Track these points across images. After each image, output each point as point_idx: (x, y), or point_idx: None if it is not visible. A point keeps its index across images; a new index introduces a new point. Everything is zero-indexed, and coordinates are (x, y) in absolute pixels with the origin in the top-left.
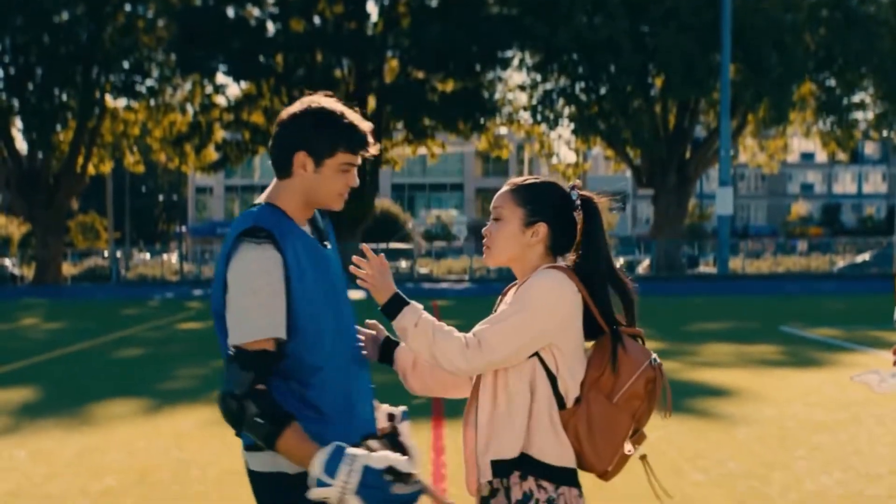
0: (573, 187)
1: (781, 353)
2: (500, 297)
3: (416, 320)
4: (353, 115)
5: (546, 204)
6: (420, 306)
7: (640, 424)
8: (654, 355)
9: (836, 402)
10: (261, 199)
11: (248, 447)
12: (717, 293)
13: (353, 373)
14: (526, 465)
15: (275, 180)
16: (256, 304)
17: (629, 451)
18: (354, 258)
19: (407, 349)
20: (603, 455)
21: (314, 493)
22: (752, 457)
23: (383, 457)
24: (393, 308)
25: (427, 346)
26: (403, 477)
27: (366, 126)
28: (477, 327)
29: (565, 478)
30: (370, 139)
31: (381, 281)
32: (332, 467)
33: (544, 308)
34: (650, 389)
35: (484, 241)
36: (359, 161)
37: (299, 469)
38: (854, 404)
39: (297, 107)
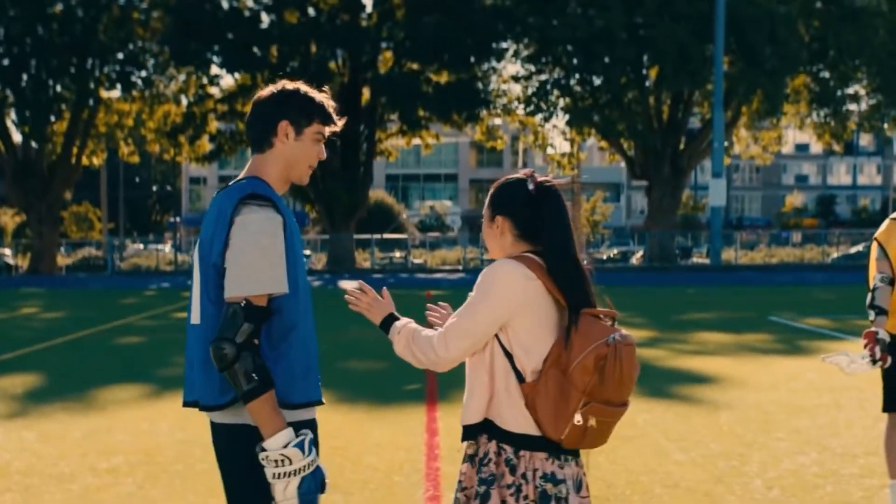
0: (527, 175)
1: (769, 341)
2: None
3: (399, 329)
4: (324, 95)
5: (501, 199)
6: (407, 320)
7: (591, 397)
8: (616, 334)
9: (819, 388)
10: (242, 175)
11: (212, 408)
12: (710, 284)
13: (312, 337)
14: (490, 429)
15: (252, 159)
16: (265, 261)
17: (578, 421)
18: (349, 291)
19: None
20: (556, 424)
21: (264, 456)
22: (733, 438)
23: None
24: (385, 326)
25: (407, 346)
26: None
27: (333, 103)
28: (447, 321)
29: (526, 443)
30: (336, 116)
31: (377, 308)
32: (303, 446)
33: (496, 296)
34: (601, 365)
35: None
36: (328, 133)
37: (301, 418)
38: (836, 389)
39: (273, 88)
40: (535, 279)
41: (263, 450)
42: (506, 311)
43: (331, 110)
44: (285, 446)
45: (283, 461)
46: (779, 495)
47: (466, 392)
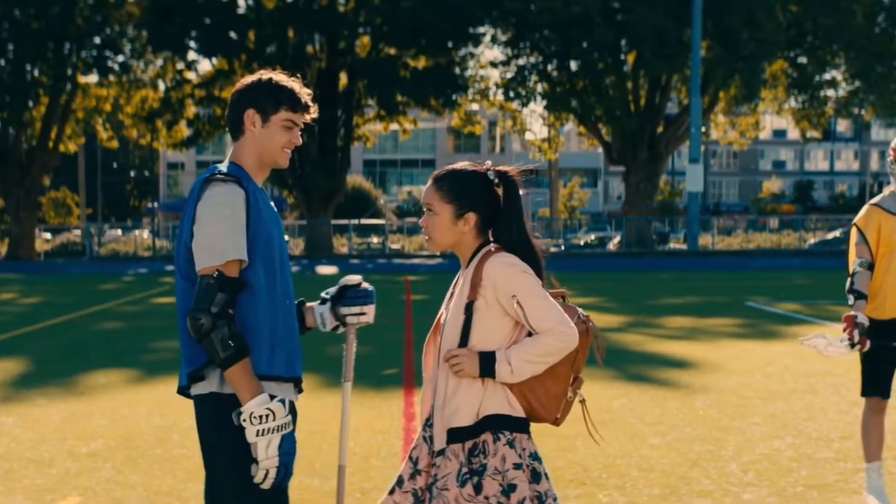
0: (488, 169)
1: (744, 326)
2: (451, 287)
3: (509, 367)
4: (295, 83)
5: (470, 194)
6: (501, 353)
7: (577, 371)
8: (580, 310)
9: (794, 373)
10: (226, 160)
11: (188, 384)
12: (687, 269)
13: (285, 313)
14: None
15: (233, 145)
16: (227, 230)
17: (570, 397)
18: (449, 356)
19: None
20: (551, 406)
21: (262, 407)
22: (708, 423)
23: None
24: (487, 371)
25: (530, 363)
26: None
27: (306, 92)
28: (536, 325)
29: (517, 425)
30: (310, 103)
31: (471, 364)
32: (283, 402)
33: (535, 278)
34: (584, 341)
35: (423, 231)
36: (301, 122)
37: (231, 391)
38: (811, 374)
39: (250, 77)
40: None
41: (241, 413)
42: None
43: (302, 97)
44: (287, 407)
45: (267, 416)
46: (753, 479)
47: (449, 393)
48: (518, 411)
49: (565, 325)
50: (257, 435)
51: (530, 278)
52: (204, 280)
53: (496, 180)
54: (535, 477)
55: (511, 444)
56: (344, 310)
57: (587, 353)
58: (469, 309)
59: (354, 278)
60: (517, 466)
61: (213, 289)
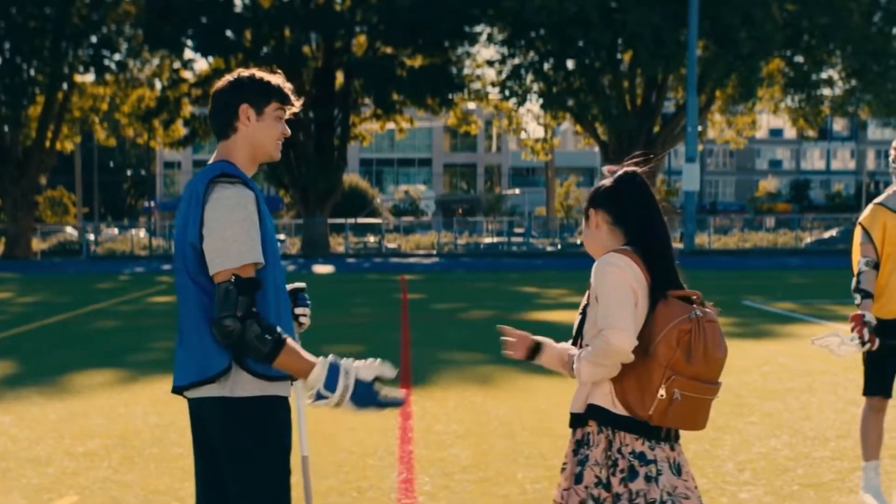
0: (609, 171)
1: (741, 325)
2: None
3: (578, 365)
4: (277, 77)
5: (596, 196)
6: (578, 352)
7: (674, 371)
8: (697, 310)
9: (791, 372)
10: (211, 161)
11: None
12: (683, 268)
13: (286, 312)
14: (595, 413)
15: (218, 146)
16: (242, 233)
17: (661, 395)
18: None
19: (553, 349)
20: (642, 401)
21: (314, 403)
22: None
23: (371, 368)
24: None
25: (599, 369)
26: (387, 382)
27: (289, 85)
28: (598, 324)
29: (621, 424)
30: (293, 95)
31: (522, 349)
32: (331, 382)
33: (622, 281)
34: (685, 340)
35: None
36: (288, 113)
37: (240, 395)
38: (808, 374)
39: (229, 77)
40: (635, 266)
41: (321, 393)
42: (635, 292)
43: (287, 90)
44: (338, 374)
45: (348, 372)
46: (750, 478)
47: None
48: (620, 408)
49: (614, 328)
50: (336, 405)
51: (618, 279)
52: (222, 286)
53: (609, 180)
54: (632, 475)
55: (610, 439)
56: (299, 310)
57: (693, 353)
58: (584, 310)
59: (300, 284)
60: (611, 462)
61: (233, 294)
